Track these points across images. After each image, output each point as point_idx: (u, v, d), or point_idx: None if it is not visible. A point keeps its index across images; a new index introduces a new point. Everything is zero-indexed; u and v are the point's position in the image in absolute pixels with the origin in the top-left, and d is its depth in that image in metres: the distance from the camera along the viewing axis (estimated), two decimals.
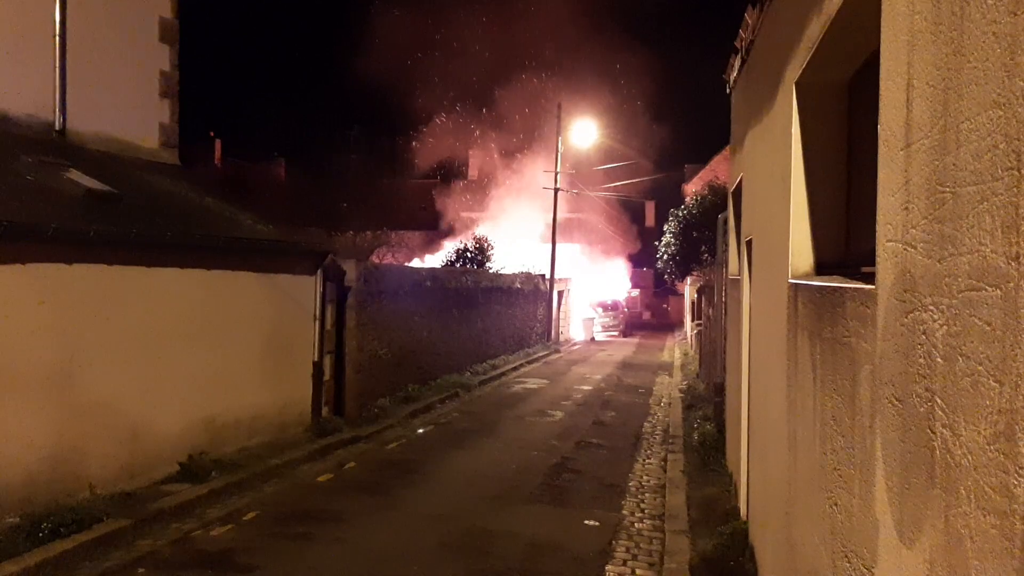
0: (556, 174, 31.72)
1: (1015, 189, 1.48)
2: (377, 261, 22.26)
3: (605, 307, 40.79)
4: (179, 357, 8.78)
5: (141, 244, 8.21)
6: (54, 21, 9.59)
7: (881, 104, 2.44)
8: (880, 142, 2.44)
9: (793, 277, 4.06)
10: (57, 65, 9.65)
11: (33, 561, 6.01)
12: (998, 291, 1.55)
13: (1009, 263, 1.50)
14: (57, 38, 9.62)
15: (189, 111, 12.99)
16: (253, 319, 10.07)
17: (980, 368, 1.64)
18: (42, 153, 8.88)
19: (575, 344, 32.68)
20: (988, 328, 1.60)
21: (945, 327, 1.85)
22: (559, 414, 14.53)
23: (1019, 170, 1.47)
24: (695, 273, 23.94)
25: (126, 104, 10.81)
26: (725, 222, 10.24)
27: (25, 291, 6.99)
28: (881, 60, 2.45)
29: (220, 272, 9.47)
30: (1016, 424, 1.46)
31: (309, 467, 9.75)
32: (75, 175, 8.70)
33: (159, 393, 8.48)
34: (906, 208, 2.16)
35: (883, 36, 2.42)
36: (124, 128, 10.77)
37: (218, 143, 36.74)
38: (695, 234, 20.93)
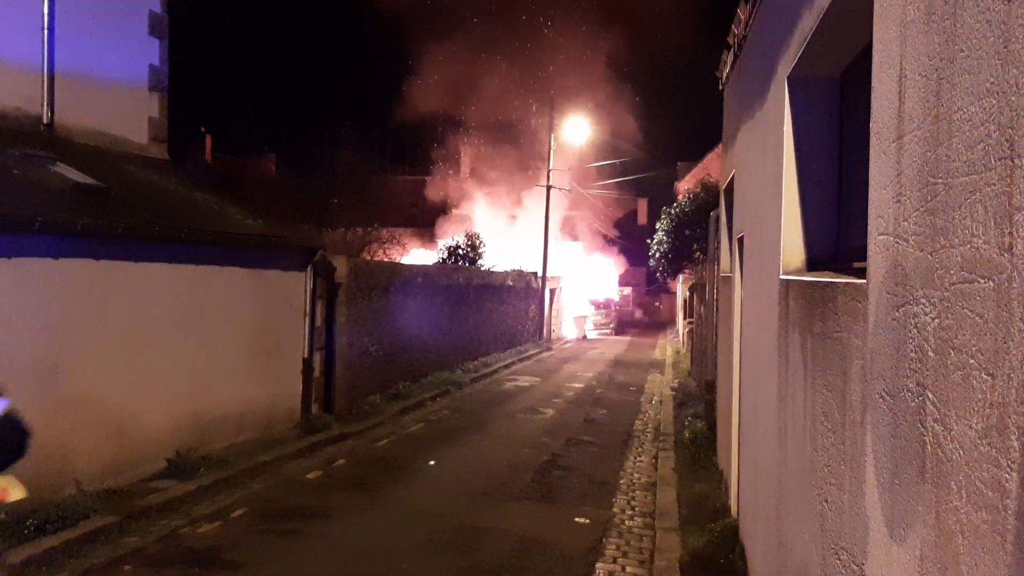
0: (548, 171, 31.69)
1: (1008, 179, 1.46)
2: (368, 257, 22.25)
3: (597, 305, 40.84)
4: (167, 352, 8.71)
5: (129, 238, 8.14)
6: (43, 14, 9.49)
7: (873, 96, 2.41)
8: (872, 135, 2.42)
9: (784, 273, 4.04)
10: (45, 58, 9.54)
11: (18, 558, 5.96)
12: (991, 283, 1.53)
13: (1002, 254, 1.48)
14: (45, 31, 9.52)
15: (179, 106, 12.91)
16: (242, 315, 10.01)
17: (972, 361, 1.62)
18: (29, 146, 8.78)
19: (567, 342, 32.69)
20: (980, 320, 1.58)
21: (937, 320, 1.83)
22: (550, 411, 14.51)
23: (1012, 159, 1.45)
24: (687, 271, 23.97)
25: (115, 98, 10.71)
26: (717, 219, 10.24)
27: (10, 285, 6.92)
28: (873, 52, 2.43)
29: (209, 267, 9.40)
30: (1008, 417, 1.44)
31: (298, 464, 9.70)
32: (62, 169, 8.61)
33: (146, 389, 8.41)
34: (898, 201, 2.14)
35: (875, 27, 2.40)
36: (113, 122, 10.67)
37: (208, 138, 36.47)
38: (687, 232, 20.94)
